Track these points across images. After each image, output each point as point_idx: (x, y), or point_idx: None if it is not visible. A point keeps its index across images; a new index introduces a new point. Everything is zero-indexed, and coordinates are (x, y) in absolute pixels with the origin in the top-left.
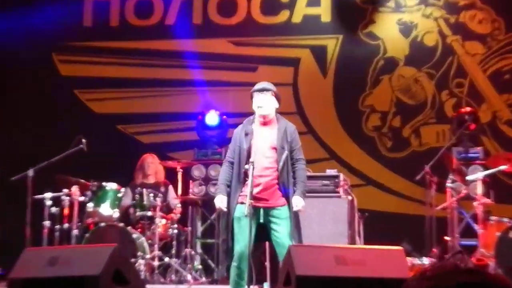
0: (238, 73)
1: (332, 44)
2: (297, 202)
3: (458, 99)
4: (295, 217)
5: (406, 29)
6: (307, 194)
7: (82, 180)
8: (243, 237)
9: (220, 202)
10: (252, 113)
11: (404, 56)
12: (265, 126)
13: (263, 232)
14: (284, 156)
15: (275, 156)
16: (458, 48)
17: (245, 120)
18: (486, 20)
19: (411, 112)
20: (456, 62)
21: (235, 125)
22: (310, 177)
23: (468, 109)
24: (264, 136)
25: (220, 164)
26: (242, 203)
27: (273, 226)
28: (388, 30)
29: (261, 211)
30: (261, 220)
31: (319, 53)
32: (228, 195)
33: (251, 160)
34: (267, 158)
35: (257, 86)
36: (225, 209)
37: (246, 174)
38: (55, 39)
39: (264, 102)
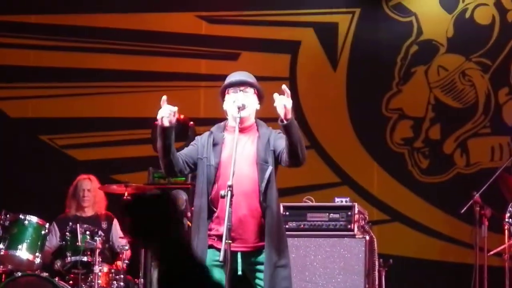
0: (212, 63)
1: (346, 21)
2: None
3: None
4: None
5: (449, 1)
6: (304, 233)
7: None
8: None
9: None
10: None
11: (446, 39)
12: (241, 134)
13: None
14: (267, 173)
15: (256, 176)
16: None
17: (214, 127)
18: None
19: (456, 119)
20: None
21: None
22: (312, 208)
23: None
24: (242, 148)
25: (187, 189)
26: (212, 247)
27: (258, 281)
28: (425, 2)
29: (239, 256)
30: (239, 270)
31: (327, 34)
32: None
33: (229, 183)
34: (245, 178)
35: (232, 78)
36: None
37: (214, 204)
38: None
39: (246, 101)
